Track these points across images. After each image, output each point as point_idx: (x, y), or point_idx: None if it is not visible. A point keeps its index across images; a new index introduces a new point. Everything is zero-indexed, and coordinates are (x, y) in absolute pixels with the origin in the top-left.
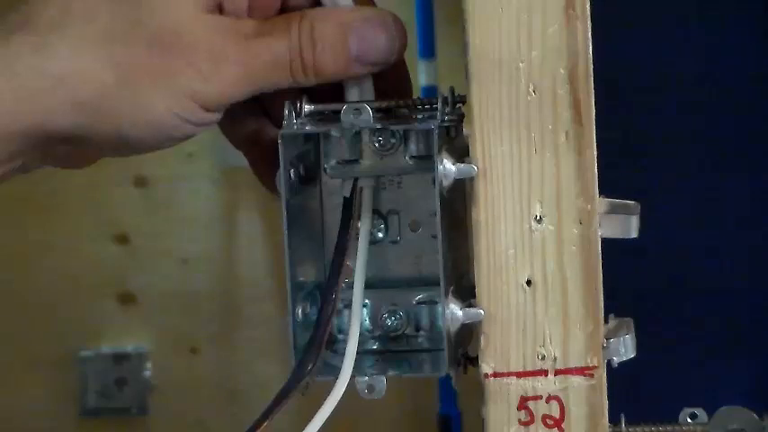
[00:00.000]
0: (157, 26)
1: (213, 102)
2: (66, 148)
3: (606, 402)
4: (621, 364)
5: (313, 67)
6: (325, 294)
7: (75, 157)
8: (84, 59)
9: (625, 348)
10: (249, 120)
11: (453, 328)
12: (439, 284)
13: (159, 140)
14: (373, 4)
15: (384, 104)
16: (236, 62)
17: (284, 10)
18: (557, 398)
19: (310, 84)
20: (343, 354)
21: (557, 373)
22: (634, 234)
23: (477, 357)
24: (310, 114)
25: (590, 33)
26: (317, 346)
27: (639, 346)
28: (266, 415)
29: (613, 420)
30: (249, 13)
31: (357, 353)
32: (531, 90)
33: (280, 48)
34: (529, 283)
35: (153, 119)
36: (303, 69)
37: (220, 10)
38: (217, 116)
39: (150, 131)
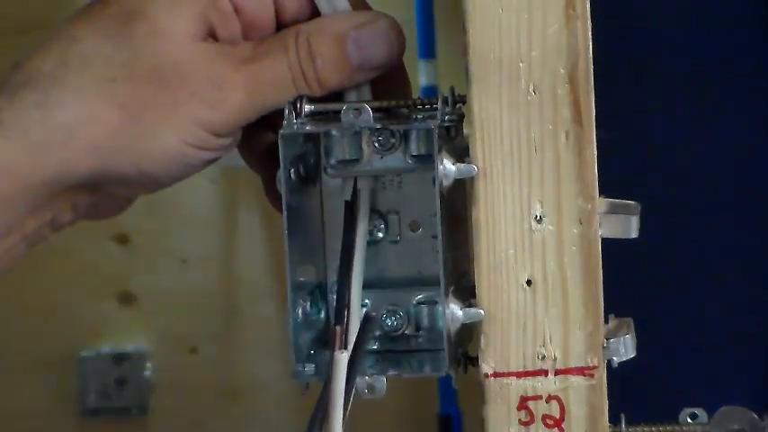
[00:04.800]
0: (154, 61)
1: (222, 127)
2: (93, 197)
3: (606, 402)
4: (621, 364)
5: (316, 81)
6: (338, 300)
7: (105, 205)
8: (87, 105)
9: (625, 348)
10: (260, 138)
11: (453, 328)
12: (439, 284)
13: (181, 170)
14: (368, 8)
15: (384, 104)
16: (239, 86)
17: (279, 27)
18: (557, 398)
19: (317, 95)
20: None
21: (557, 373)
22: (634, 234)
23: (477, 357)
24: (310, 114)
25: (590, 33)
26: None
27: (639, 346)
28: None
29: (613, 420)
30: (245, 35)
31: None
32: (531, 90)
33: (280, 67)
34: (529, 282)
35: (167, 151)
36: (307, 85)
37: (215, 38)
38: (230, 140)
39: (168, 163)
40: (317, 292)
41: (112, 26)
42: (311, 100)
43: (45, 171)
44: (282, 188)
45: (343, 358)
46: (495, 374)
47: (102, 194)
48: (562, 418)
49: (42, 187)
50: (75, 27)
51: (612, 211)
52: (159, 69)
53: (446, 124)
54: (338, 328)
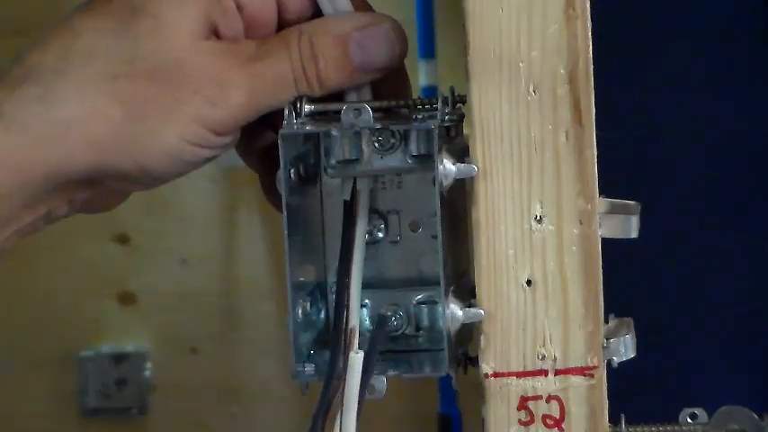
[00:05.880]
0: (157, 59)
1: (223, 125)
2: (90, 192)
3: (606, 402)
4: (621, 364)
5: (317, 81)
6: (337, 300)
7: (102, 199)
8: (89, 101)
9: (625, 348)
10: (260, 138)
11: (453, 328)
12: (439, 284)
13: (179, 167)
14: (371, 9)
15: (384, 104)
16: (241, 85)
17: (281, 25)
18: (557, 398)
19: (317, 95)
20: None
21: (557, 373)
22: (634, 234)
23: (477, 357)
24: (310, 114)
25: (590, 33)
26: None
27: (639, 346)
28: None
29: (613, 420)
30: (247, 34)
31: None
32: (531, 90)
33: (282, 67)
34: (529, 283)
35: (167, 149)
36: (308, 84)
37: (217, 35)
38: (230, 139)
39: (167, 160)
40: (317, 292)
41: (115, 22)
42: (311, 100)
43: (44, 165)
44: (282, 188)
45: (358, 358)
46: (496, 374)
47: (99, 189)
48: (562, 418)
49: (41, 181)
50: (77, 22)
51: (612, 211)
52: (162, 67)
53: (446, 124)
54: (352, 328)
